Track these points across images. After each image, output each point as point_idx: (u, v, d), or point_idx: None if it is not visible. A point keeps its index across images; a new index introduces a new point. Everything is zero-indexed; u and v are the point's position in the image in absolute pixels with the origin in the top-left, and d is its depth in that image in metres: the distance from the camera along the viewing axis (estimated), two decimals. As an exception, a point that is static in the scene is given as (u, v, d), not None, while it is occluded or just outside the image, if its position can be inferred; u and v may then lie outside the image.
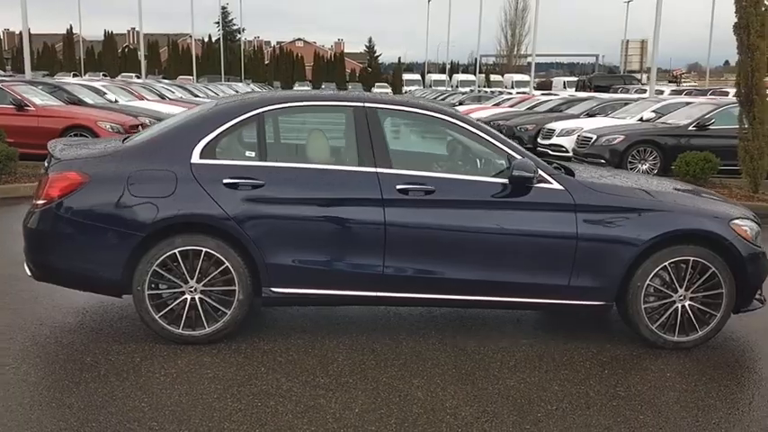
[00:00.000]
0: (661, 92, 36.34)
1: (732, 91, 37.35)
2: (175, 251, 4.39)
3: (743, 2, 10.98)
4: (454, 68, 65.98)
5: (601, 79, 53.41)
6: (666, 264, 4.60)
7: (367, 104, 4.68)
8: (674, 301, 4.67)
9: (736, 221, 4.71)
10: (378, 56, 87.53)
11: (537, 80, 57.02)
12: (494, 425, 3.60)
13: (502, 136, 4.84)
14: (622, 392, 4.04)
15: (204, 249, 4.40)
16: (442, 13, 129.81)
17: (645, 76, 70.26)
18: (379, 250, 4.48)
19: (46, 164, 4.68)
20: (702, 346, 4.75)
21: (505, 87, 53.57)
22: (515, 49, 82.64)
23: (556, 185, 4.60)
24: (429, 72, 66.06)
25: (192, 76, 53.36)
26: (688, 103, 16.68)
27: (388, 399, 3.86)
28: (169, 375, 4.07)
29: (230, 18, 78.13)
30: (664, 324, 4.68)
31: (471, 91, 43.08)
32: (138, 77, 46.76)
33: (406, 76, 65.37)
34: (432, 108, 4.92)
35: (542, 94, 31.68)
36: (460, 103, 29.53)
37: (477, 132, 4.73)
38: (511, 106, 23.69)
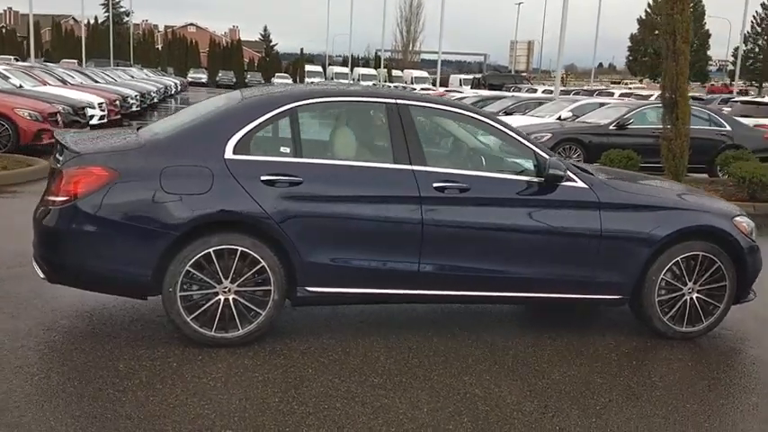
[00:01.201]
0: (550, 91, 38.07)
1: (617, 92, 39.77)
2: (210, 250, 4.20)
3: (670, 9, 11.70)
4: (354, 62, 66.00)
5: (494, 78, 55.31)
6: (679, 258, 4.86)
7: (399, 101, 4.65)
8: (684, 294, 4.94)
9: (738, 218, 5.05)
10: (273, 45, 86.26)
11: (434, 77, 58.02)
12: (561, 419, 3.70)
13: (527, 135, 4.94)
14: (659, 383, 4.25)
15: (240, 248, 4.23)
16: (337, 4, 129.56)
17: (528, 74, 73.29)
18: (416, 248, 4.47)
19: (58, 156, 4.35)
20: (705, 336, 5.05)
21: (405, 83, 54.24)
22: (411, 45, 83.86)
23: (581, 184, 4.76)
24: (330, 64, 65.73)
25: (80, 59, 50.53)
26: (602, 104, 17.60)
27: (449, 396, 3.87)
28: (218, 380, 3.90)
29: (117, 0, 74.52)
30: (673, 316, 4.95)
31: (374, 85, 43.28)
32: (18, 60, 43.71)
33: (307, 68, 64.59)
34: (462, 106, 4.96)
35: (446, 91, 32.33)
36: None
37: (505, 131, 4.82)
38: (426, 102, 23.97)
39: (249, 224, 4.26)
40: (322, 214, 4.35)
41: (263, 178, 4.25)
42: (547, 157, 4.69)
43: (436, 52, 46.26)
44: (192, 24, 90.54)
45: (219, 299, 4.26)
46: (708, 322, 5.02)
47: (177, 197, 4.13)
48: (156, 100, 29.03)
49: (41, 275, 4.32)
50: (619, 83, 62.74)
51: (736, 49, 55.03)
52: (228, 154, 4.27)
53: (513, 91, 37.99)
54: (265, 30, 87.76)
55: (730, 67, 66.67)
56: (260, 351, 4.32)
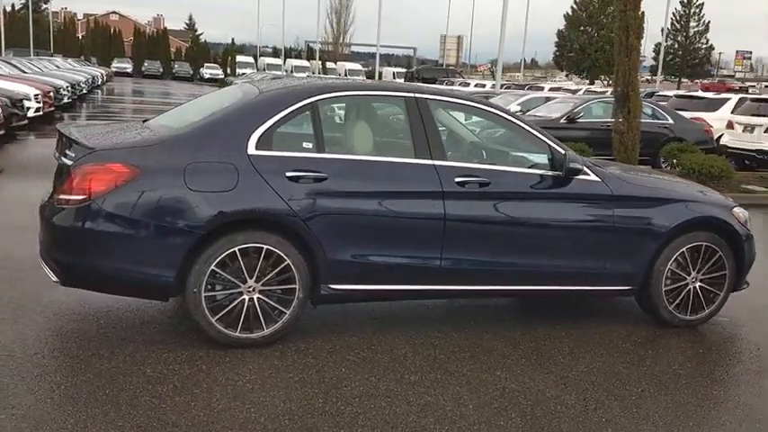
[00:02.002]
0: (483, 85, 38.73)
1: (547, 86, 40.74)
2: (235, 249, 4.05)
3: (623, 6, 12.02)
4: (286, 53, 65.06)
5: (428, 72, 56.06)
6: (684, 249, 5.01)
7: (417, 95, 4.60)
8: (688, 283, 5.09)
9: (736, 209, 5.24)
10: (200, 34, 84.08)
11: (368, 69, 58.03)
12: (604, 411, 3.74)
13: (541, 130, 4.98)
14: (681, 371, 4.37)
15: (265, 246, 4.10)
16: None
17: (458, 68, 74.34)
18: (438, 243, 4.44)
19: (67, 152, 4.10)
20: (706, 324, 5.22)
21: (339, 75, 53.99)
22: (341, 37, 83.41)
23: (594, 177, 4.83)
24: (261, 55, 64.54)
25: (-1, 48, 47.97)
26: (548, 99, 18.00)
27: (488, 392, 3.87)
28: (254, 382, 3.77)
29: (34, -14, 71.00)
30: (678, 305, 5.10)
31: (308, 76, 42.88)
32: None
33: (239, 59, 63.17)
34: (478, 101, 4.96)
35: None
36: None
37: (520, 125, 4.86)
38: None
39: (274, 221, 4.14)
40: (345, 210, 4.26)
41: (288, 174, 4.13)
42: (563, 151, 4.74)
43: (366, 45, 46.32)
44: (114, 12, 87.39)
45: (244, 299, 4.12)
46: (709, 310, 5.19)
47: (203, 194, 3.97)
48: (85, 91, 27.97)
49: (54, 278, 4.07)
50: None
51: (658, 44, 57.18)
52: (251, 149, 4.13)
53: (447, 84, 38.42)
54: (190, 18, 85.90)
55: (649, 61, 69.07)
56: (286, 351, 4.20)
